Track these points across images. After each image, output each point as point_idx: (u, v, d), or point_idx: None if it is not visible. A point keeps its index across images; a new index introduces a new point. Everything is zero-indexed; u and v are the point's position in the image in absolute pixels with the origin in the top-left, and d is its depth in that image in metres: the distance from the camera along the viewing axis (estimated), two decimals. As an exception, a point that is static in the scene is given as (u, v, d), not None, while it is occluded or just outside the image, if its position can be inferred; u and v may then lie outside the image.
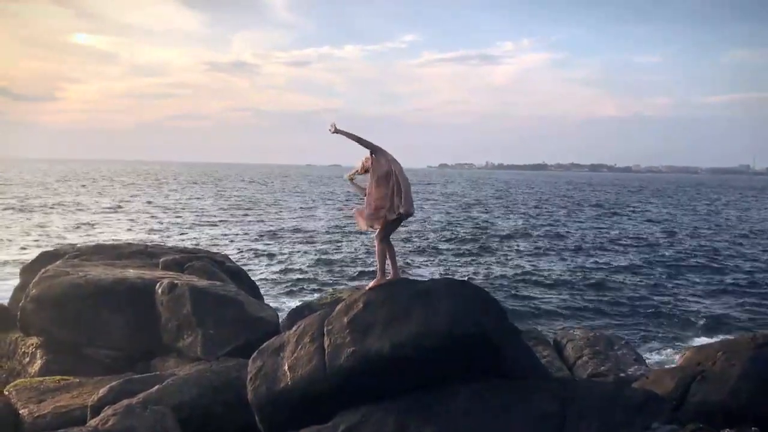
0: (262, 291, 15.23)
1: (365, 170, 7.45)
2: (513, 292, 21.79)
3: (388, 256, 7.44)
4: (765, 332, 12.44)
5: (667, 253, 31.77)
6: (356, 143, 7.27)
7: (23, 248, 27.66)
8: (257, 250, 30.37)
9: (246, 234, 36.32)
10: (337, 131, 7.13)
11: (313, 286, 22.25)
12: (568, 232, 41.10)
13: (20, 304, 11.52)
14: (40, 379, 9.56)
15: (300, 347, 7.01)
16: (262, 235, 35.83)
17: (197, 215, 46.72)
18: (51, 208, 48.95)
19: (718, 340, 13.48)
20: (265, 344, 7.55)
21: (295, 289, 21.83)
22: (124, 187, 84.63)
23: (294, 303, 16.68)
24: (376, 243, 7.39)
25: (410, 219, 7.63)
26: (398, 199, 7.05)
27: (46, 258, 14.01)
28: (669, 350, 15.10)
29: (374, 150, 7.23)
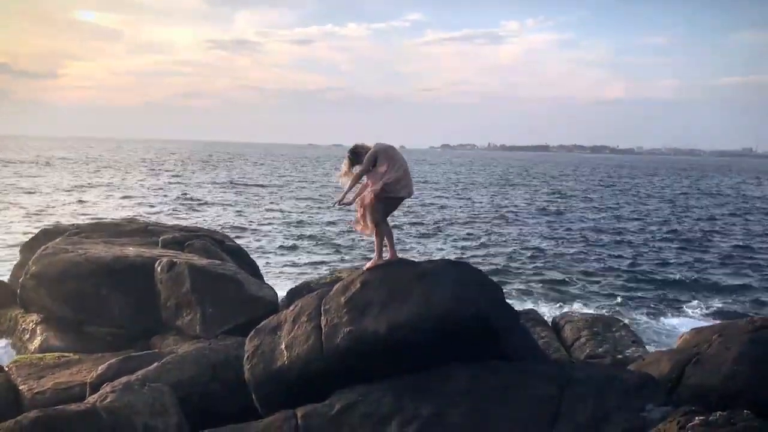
0: (261, 270, 15.24)
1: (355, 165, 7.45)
2: (511, 273, 21.80)
3: (385, 237, 7.46)
4: (763, 316, 12.48)
5: (668, 235, 31.75)
6: (365, 172, 7.25)
7: (23, 225, 27.68)
8: (257, 229, 30.39)
9: (246, 213, 36.32)
10: (344, 202, 7.32)
11: (313, 265, 22.28)
12: (568, 213, 41.05)
13: (20, 281, 11.58)
14: (40, 355, 9.62)
15: (297, 326, 7.04)
16: (262, 215, 35.84)
17: (198, 194, 46.69)
18: (51, 185, 48.92)
19: (717, 322, 13.53)
20: (262, 323, 7.58)
21: (294, 268, 21.86)
22: (125, 166, 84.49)
23: (293, 282, 16.70)
24: (374, 224, 7.40)
25: (410, 200, 7.65)
26: (396, 183, 7.09)
27: (46, 235, 14.04)
28: (667, 332, 15.13)
29: (374, 156, 7.22)
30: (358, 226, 7.47)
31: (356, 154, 7.37)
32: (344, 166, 7.49)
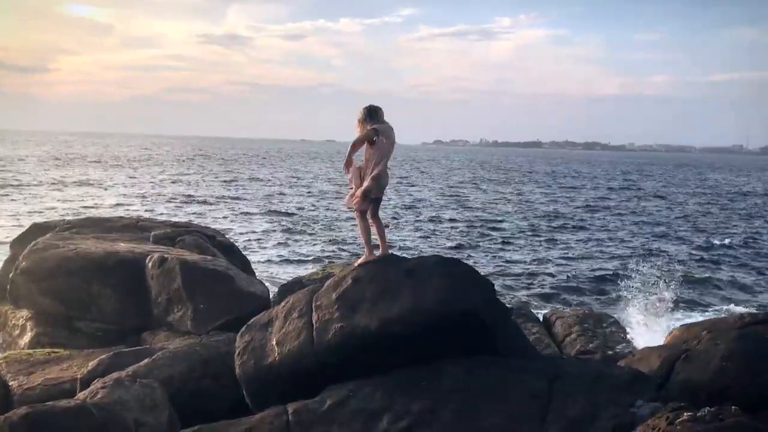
0: (253, 266, 15.23)
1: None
2: (502, 269, 21.86)
3: (376, 233, 7.49)
4: (752, 312, 12.56)
5: (660, 232, 31.89)
6: (360, 143, 7.26)
7: (13, 221, 27.51)
8: (249, 225, 30.36)
9: (238, 209, 36.24)
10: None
11: (305, 261, 22.28)
12: (560, 209, 41.16)
13: (10, 276, 11.49)
14: (30, 351, 9.57)
15: (288, 322, 7.03)
16: (254, 211, 35.77)
17: (190, 190, 46.54)
18: (42, 181, 48.63)
19: (706, 319, 13.61)
20: (253, 319, 7.57)
21: (286, 264, 21.85)
22: (116, 161, 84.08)
23: (285, 278, 16.70)
24: (357, 220, 7.50)
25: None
26: (372, 182, 7.17)
27: (36, 230, 13.93)
28: (658, 328, 15.19)
29: (375, 132, 7.26)
30: (352, 200, 7.51)
31: (371, 114, 7.39)
32: (360, 115, 7.47)
